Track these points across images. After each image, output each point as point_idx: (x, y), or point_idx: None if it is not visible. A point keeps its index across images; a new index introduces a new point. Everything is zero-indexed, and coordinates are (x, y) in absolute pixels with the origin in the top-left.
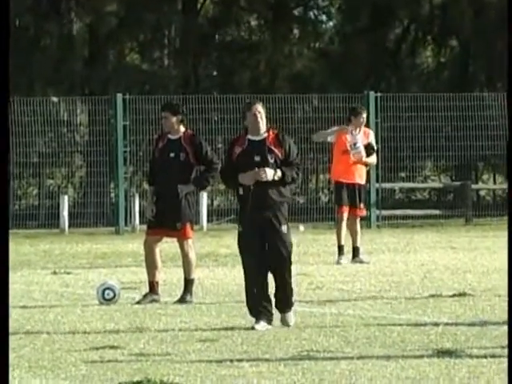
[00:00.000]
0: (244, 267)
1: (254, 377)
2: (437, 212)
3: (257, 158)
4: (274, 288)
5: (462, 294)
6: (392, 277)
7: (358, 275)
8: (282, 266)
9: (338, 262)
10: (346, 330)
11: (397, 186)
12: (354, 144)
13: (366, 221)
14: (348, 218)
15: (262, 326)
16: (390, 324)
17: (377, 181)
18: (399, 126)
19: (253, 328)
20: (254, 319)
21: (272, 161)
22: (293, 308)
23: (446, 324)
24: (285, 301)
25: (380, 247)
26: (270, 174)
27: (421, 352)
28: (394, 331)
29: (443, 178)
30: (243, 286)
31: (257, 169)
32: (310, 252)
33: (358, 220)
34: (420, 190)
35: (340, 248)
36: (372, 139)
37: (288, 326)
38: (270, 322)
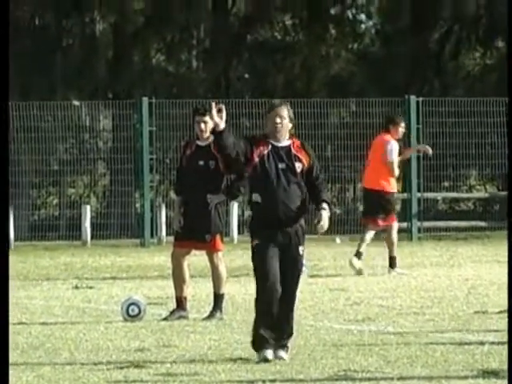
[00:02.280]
0: (260, 280)
1: None
2: (482, 224)
3: (281, 166)
4: None
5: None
6: (434, 292)
7: (398, 290)
8: (290, 289)
9: (395, 272)
10: (386, 348)
11: (440, 196)
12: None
13: (407, 233)
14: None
15: (269, 355)
16: (432, 343)
17: (418, 190)
18: (442, 133)
19: (266, 360)
20: (258, 351)
21: (299, 170)
22: (290, 343)
23: (492, 343)
24: (286, 330)
25: (422, 261)
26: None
27: (465, 372)
28: (437, 350)
29: (489, 188)
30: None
31: (284, 182)
32: (348, 265)
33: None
34: (464, 200)
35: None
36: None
37: (283, 359)
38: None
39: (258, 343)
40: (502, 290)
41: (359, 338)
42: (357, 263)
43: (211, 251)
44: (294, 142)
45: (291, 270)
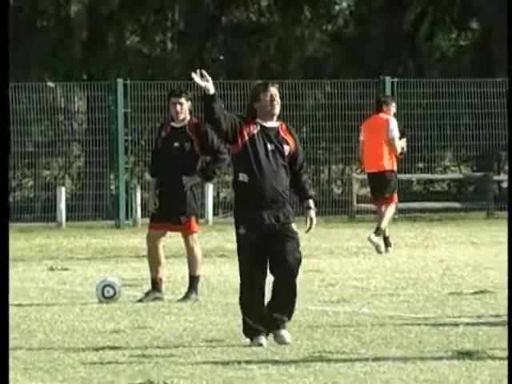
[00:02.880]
0: (245, 277)
1: (263, 379)
2: (457, 205)
3: (271, 147)
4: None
5: (484, 292)
6: (409, 273)
7: (373, 272)
8: (292, 269)
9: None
10: (361, 329)
11: (414, 177)
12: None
13: None
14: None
15: (264, 340)
16: (407, 324)
17: None
18: (417, 114)
19: (260, 344)
20: (251, 338)
21: (287, 153)
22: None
23: (467, 324)
24: (286, 311)
25: (396, 242)
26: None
27: (440, 353)
28: (412, 331)
29: (463, 169)
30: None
31: (272, 163)
32: (323, 247)
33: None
34: (439, 181)
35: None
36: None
37: (285, 343)
38: (266, 336)
39: (249, 333)
40: (476, 272)
41: (334, 320)
42: (375, 239)
43: (186, 233)
44: (281, 125)
45: (286, 246)
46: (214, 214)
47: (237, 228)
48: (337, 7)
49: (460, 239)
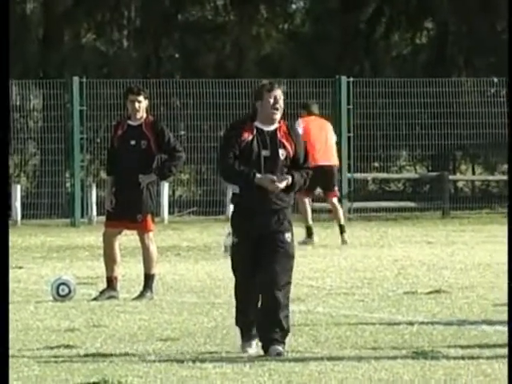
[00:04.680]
0: (239, 286)
1: (218, 378)
2: (412, 204)
3: (265, 153)
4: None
5: (439, 292)
6: (364, 273)
7: (328, 271)
8: (279, 281)
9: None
10: (316, 328)
11: (369, 176)
12: None
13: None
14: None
15: (254, 349)
16: (361, 323)
17: (348, 171)
18: (372, 113)
19: (245, 351)
20: (242, 342)
21: (283, 158)
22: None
23: (422, 323)
24: (278, 329)
25: (351, 241)
26: (283, 185)
27: (394, 353)
28: (367, 330)
29: (419, 169)
30: (208, 283)
31: (266, 171)
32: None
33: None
34: (394, 180)
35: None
36: None
37: (283, 355)
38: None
39: (244, 337)
40: (431, 271)
41: None
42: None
43: (142, 231)
44: (280, 126)
45: (279, 259)
46: (170, 213)
47: (232, 237)
48: (293, 6)
49: (415, 239)
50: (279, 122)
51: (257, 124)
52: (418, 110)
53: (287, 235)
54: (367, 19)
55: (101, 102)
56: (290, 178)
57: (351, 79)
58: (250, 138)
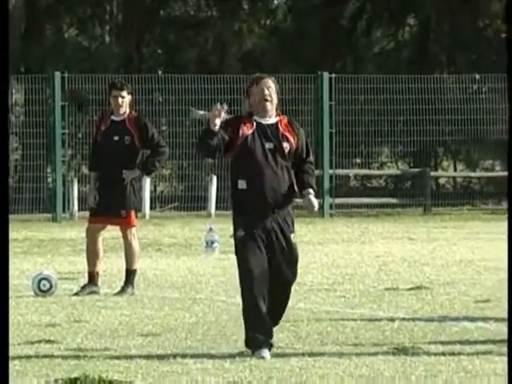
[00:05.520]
0: (246, 283)
1: (199, 374)
2: (393, 201)
3: (269, 145)
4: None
5: (420, 288)
6: (346, 269)
7: (309, 267)
8: (286, 281)
9: None
10: (297, 324)
11: (351, 172)
12: None
13: (319, 209)
14: None
15: (267, 353)
16: (343, 319)
17: (330, 167)
18: (354, 110)
19: (262, 357)
20: (253, 351)
21: (287, 151)
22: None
23: (403, 319)
24: (275, 322)
25: (333, 237)
26: (316, 203)
27: (375, 349)
28: (348, 327)
29: (401, 165)
30: (189, 278)
31: (272, 164)
32: None
33: None
34: (376, 177)
35: None
36: None
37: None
38: (271, 347)
39: (252, 345)
40: (412, 267)
41: None
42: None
43: (126, 227)
44: (281, 120)
45: (285, 259)
46: (151, 208)
47: (234, 232)
48: (275, 1)
49: (397, 235)
50: (279, 116)
51: (255, 118)
52: (399, 106)
53: (292, 235)
54: (349, 15)
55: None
56: (310, 190)
57: (333, 75)
58: (250, 131)
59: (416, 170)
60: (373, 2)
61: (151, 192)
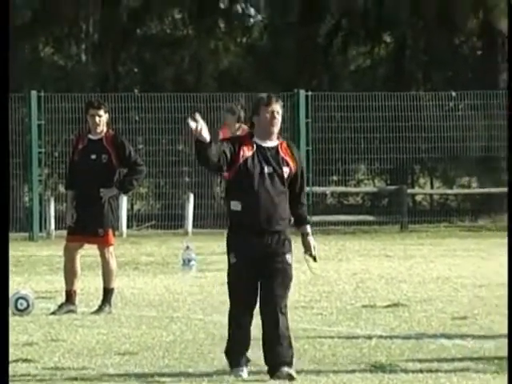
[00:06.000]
0: (234, 310)
1: None
2: (370, 218)
3: (268, 169)
4: (265, 339)
5: (397, 305)
6: (323, 286)
7: None
8: (282, 304)
9: None
10: None
11: (328, 190)
12: None
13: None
14: None
15: (246, 373)
16: (320, 336)
17: (307, 185)
18: (331, 127)
19: (238, 376)
20: (234, 367)
21: (286, 175)
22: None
23: (380, 337)
24: (285, 353)
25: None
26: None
27: (353, 366)
28: (325, 344)
29: (377, 182)
30: (166, 297)
31: (269, 188)
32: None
33: None
34: (353, 194)
35: None
36: None
37: (294, 379)
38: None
39: (233, 363)
40: (389, 285)
41: None
42: None
43: (103, 245)
44: (281, 143)
45: (278, 282)
46: (128, 227)
47: (228, 257)
48: (251, 20)
49: (374, 252)
50: (278, 139)
51: (256, 140)
52: (376, 123)
53: (288, 256)
54: (325, 33)
55: (59, 116)
56: (307, 229)
57: (310, 93)
58: (250, 153)
59: (393, 187)
60: (348, 19)
61: (128, 210)
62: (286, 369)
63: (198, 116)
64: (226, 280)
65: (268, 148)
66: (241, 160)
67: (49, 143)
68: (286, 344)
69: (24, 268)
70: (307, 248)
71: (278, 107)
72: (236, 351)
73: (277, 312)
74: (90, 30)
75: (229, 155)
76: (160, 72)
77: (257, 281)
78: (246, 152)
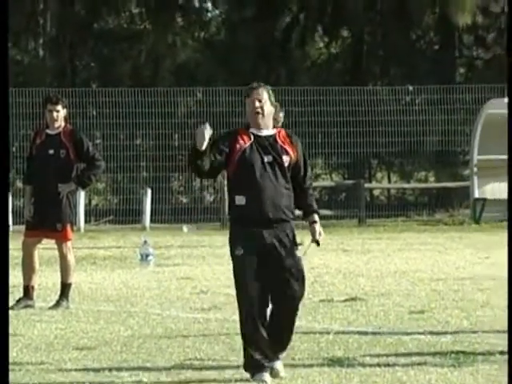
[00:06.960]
0: (245, 304)
1: None
2: (328, 212)
3: (267, 159)
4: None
5: (355, 299)
6: None
7: None
8: (295, 296)
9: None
10: (232, 337)
11: None
12: None
13: None
14: None
15: (268, 377)
16: None
17: None
18: (288, 122)
19: (264, 382)
20: (253, 374)
21: (286, 164)
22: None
23: (337, 331)
24: (280, 344)
25: None
26: (322, 238)
27: (311, 361)
28: None
29: (335, 177)
30: (124, 292)
31: (271, 177)
32: (195, 254)
33: None
34: None
35: None
36: None
37: (278, 376)
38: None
39: (253, 368)
40: (347, 279)
41: (205, 327)
42: None
43: (61, 240)
44: (279, 132)
45: (291, 274)
46: (86, 222)
47: (232, 251)
48: (209, 14)
49: (331, 246)
50: (276, 128)
51: (252, 130)
52: (333, 118)
53: (295, 249)
54: (283, 28)
55: (16, 111)
56: (315, 217)
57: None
58: (248, 144)
59: (350, 181)
60: (306, 14)
61: (86, 205)
62: (277, 365)
63: (208, 126)
64: (233, 275)
65: (265, 137)
66: (239, 152)
67: None
68: (289, 334)
69: None
70: (313, 234)
71: (260, 95)
72: (260, 350)
73: (293, 306)
74: (47, 25)
75: (223, 157)
76: (117, 67)
77: (267, 273)
78: (243, 144)
